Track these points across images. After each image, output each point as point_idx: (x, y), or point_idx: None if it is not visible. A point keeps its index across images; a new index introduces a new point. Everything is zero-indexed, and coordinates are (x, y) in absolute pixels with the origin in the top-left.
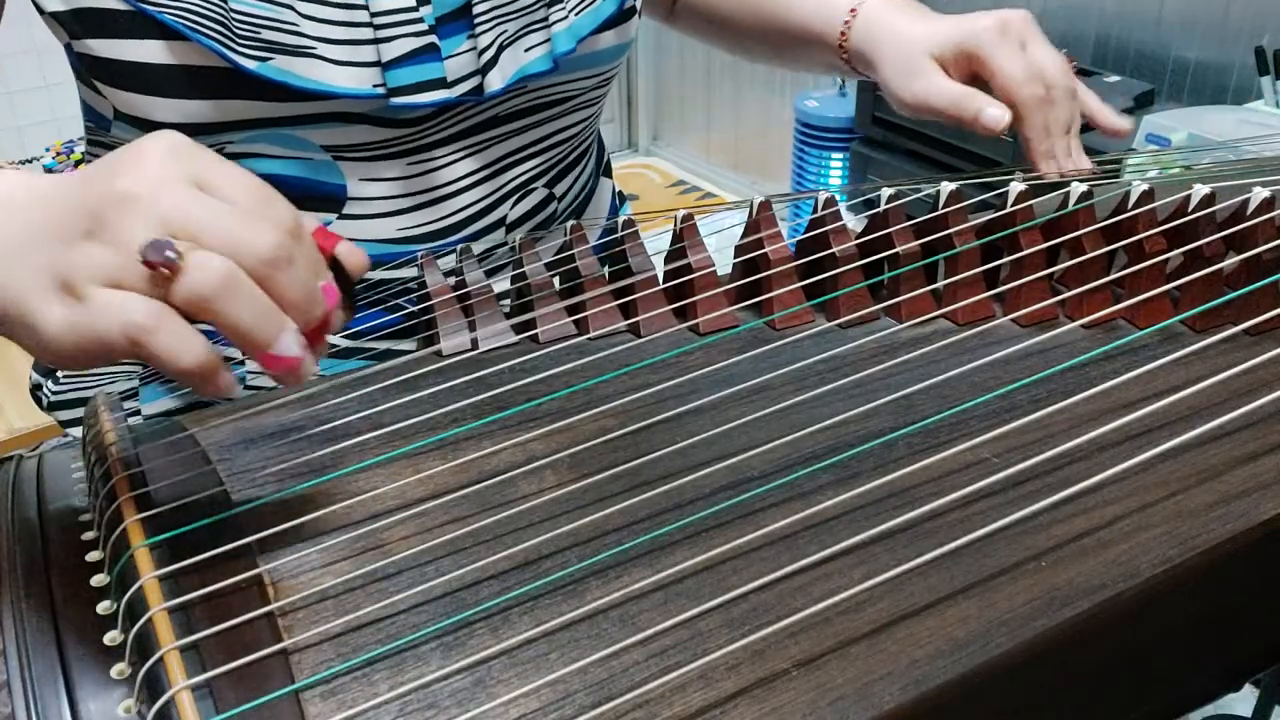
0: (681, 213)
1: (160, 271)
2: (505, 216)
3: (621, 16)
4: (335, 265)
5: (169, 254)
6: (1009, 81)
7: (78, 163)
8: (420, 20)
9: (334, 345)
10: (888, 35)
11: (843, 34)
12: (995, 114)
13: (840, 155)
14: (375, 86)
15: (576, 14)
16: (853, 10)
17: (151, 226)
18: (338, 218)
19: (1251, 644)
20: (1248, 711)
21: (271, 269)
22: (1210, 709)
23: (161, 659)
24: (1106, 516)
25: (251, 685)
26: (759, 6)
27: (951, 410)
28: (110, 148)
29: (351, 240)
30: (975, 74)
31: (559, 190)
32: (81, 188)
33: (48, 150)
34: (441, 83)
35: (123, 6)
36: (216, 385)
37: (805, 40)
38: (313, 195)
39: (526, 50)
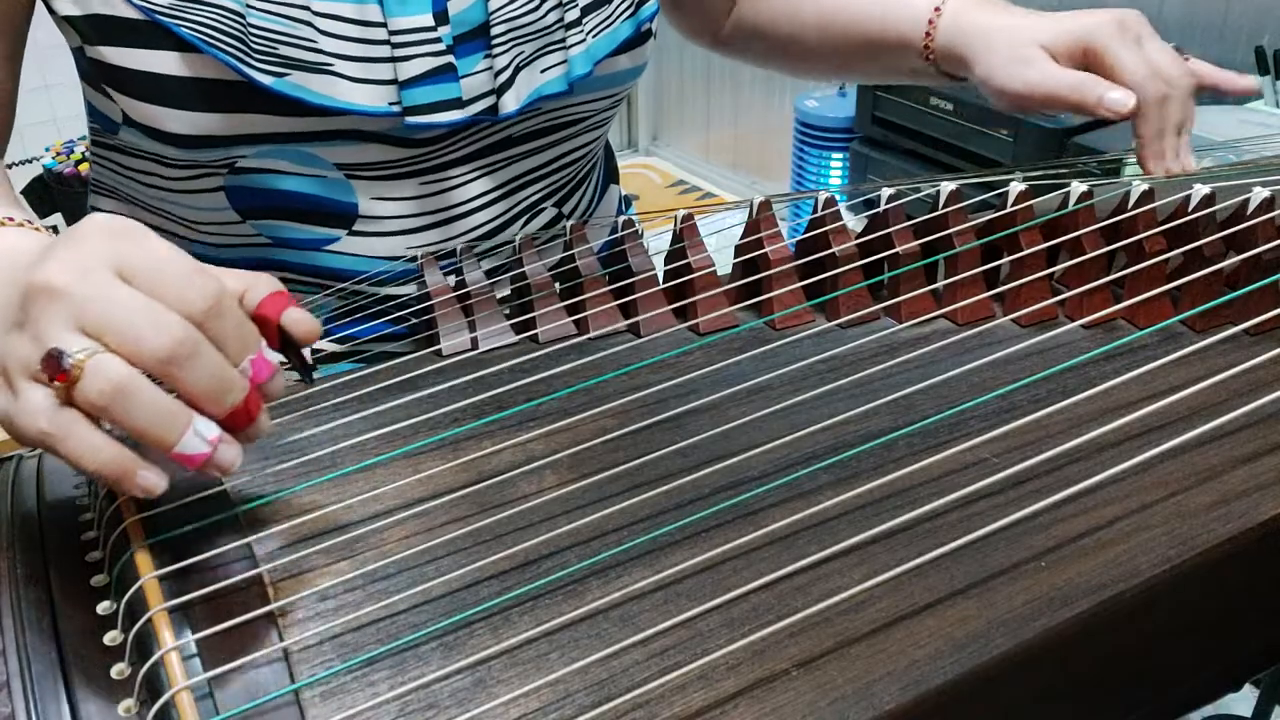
0: (681, 213)
1: (60, 379)
2: (516, 237)
3: (638, 39)
4: (284, 334)
5: (66, 363)
6: (1130, 78)
7: (78, 163)
8: (438, 40)
9: (328, 350)
10: (985, 30)
11: (928, 34)
12: (1119, 97)
13: (840, 155)
14: (391, 105)
15: (594, 36)
16: (936, 9)
17: (65, 323)
18: (347, 234)
19: (1251, 644)
20: (1248, 711)
21: (172, 367)
22: (1210, 709)
23: (161, 659)
24: (1106, 516)
25: (251, 685)
26: (830, 21)
27: (951, 410)
28: (117, 150)
29: (358, 255)
30: (1087, 69)
31: (568, 208)
32: (24, 271)
33: (48, 150)
34: (457, 103)
35: (138, 16)
36: (133, 485)
37: (884, 47)
38: (323, 212)
39: (543, 71)
